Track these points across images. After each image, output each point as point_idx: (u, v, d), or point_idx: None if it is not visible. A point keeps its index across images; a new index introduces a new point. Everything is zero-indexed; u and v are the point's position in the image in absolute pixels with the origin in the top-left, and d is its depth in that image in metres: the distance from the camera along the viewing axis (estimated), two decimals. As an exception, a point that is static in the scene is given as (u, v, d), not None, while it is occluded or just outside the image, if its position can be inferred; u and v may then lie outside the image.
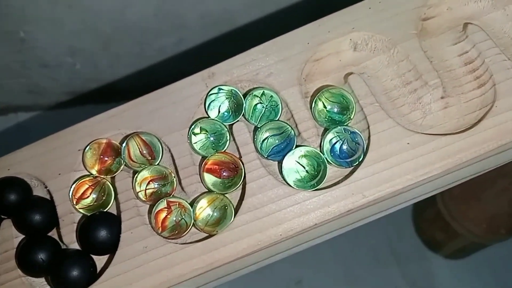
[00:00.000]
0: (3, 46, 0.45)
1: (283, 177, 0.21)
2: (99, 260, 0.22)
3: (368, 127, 0.21)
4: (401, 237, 0.54)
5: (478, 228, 0.46)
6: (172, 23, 0.47)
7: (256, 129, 0.22)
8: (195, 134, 0.22)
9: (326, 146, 0.21)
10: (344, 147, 0.21)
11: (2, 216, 0.23)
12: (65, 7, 0.42)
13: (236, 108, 0.23)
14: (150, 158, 0.23)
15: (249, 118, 0.23)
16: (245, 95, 0.23)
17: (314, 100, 0.22)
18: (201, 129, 0.23)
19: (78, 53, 0.48)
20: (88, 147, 0.23)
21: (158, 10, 0.45)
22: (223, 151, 0.22)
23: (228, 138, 0.22)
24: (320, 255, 0.51)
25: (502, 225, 0.45)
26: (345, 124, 0.22)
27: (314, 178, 0.21)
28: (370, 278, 0.52)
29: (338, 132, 0.21)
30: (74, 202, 0.22)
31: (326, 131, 0.22)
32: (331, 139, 0.21)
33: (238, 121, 0.23)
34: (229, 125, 0.23)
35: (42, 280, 0.22)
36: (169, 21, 0.47)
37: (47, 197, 0.23)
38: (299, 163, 0.21)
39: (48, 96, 0.52)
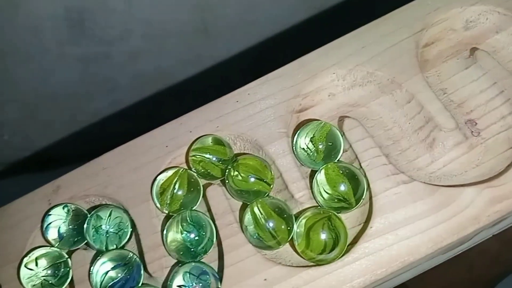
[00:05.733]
0: None
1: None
2: None
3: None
4: None
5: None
6: (101, 86, 0.45)
7: (96, 256, 0.19)
8: (27, 268, 0.19)
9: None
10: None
11: None
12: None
13: (78, 231, 0.19)
14: None
15: (92, 242, 0.19)
16: (89, 212, 0.19)
17: (166, 228, 0.18)
18: (35, 260, 0.19)
19: (4, 124, 0.46)
20: None
21: (83, 74, 0.43)
22: (57, 290, 0.19)
23: (67, 271, 0.19)
24: None
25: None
26: (197, 257, 0.18)
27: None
28: None
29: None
30: None
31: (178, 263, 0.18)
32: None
33: (80, 246, 0.19)
34: (69, 251, 0.19)
35: None
36: (98, 84, 0.44)
37: None
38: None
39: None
